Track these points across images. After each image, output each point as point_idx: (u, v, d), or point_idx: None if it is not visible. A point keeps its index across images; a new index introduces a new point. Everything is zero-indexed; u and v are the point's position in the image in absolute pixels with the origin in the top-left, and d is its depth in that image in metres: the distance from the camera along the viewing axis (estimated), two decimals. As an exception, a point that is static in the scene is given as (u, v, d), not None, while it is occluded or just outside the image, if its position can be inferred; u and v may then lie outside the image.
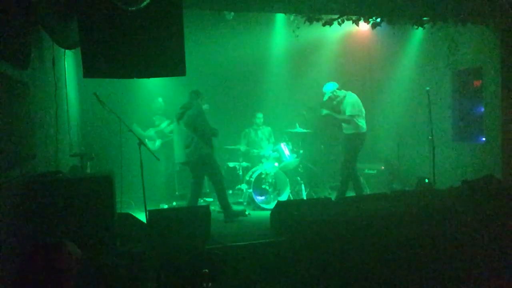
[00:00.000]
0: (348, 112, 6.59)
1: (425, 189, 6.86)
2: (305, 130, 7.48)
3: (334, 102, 6.76)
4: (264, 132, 8.04)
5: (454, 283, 4.46)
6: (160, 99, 7.66)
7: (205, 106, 7.02)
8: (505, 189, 5.51)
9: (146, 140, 7.06)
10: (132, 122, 6.67)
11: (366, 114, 6.85)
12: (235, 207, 6.90)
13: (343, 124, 6.76)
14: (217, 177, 6.27)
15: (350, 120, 6.59)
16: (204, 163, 6.18)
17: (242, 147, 7.74)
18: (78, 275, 2.23)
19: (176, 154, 6.48)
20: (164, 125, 7.52)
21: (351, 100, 6.66)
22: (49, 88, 4.50)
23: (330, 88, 6.74)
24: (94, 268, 3.56)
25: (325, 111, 6.75)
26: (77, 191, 3.72)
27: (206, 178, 8.02)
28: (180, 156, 6.35)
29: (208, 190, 7.94)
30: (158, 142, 7.45)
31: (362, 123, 6.65)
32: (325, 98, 6.78)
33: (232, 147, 7.86)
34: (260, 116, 7.95)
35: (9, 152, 3.12)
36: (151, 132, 7.45)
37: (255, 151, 7.71)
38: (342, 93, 6.76)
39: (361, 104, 6.73)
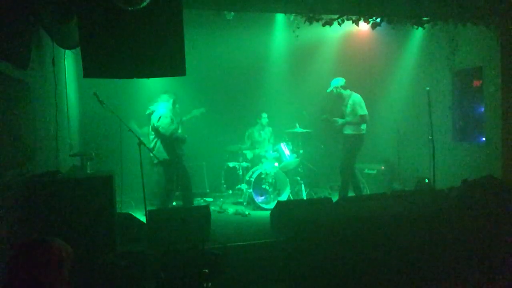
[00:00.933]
0: (361, 112, 6.56)
1: (425, 189, 6.86)
2: (305, 130, 7.48)
3: (343, 105, 6.73)
4: (266, 132, 8.06)
5: (454, 283, 4.46)
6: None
7: (201, 110, 6.99)
8: (505, 189, 5.51)
9: (141, 137, 7.04)
10: (130, 119, 6.66)
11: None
12: (235, 207, 6.91)
13: (345, 125, 6.73)
14: (169, 182, 6.18)
15: (356, 122, 6.57)
16: (167, 165, 6.15)
17: (249, 154, 7.73)
18: (78, 274, 2.20)
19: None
20: None
21: (358, 101, 6.64)
22: (49, 88, 4.50)
23: (335, 83, 6.75)
24: (94, 268, 3.56)
25: (341, 121, 6.71)
26: (77, 191, 3.73)
27: (205, 177, 8.07)
28: (153, 158, 6.28)
29: (208, 190, 7.96)
30: None
31: (363, 125, 6.64)
32: (328, 90, 6.79)
33: (232, 147, 7.86)
34: (265, 116, 7.96)
35: (9, 152, 3.13)
36: (146, 129, 7.45)
37: (256, 150, 7.73)
38: (346, 92, 6.73)
39: (364, 105, 6.71)
